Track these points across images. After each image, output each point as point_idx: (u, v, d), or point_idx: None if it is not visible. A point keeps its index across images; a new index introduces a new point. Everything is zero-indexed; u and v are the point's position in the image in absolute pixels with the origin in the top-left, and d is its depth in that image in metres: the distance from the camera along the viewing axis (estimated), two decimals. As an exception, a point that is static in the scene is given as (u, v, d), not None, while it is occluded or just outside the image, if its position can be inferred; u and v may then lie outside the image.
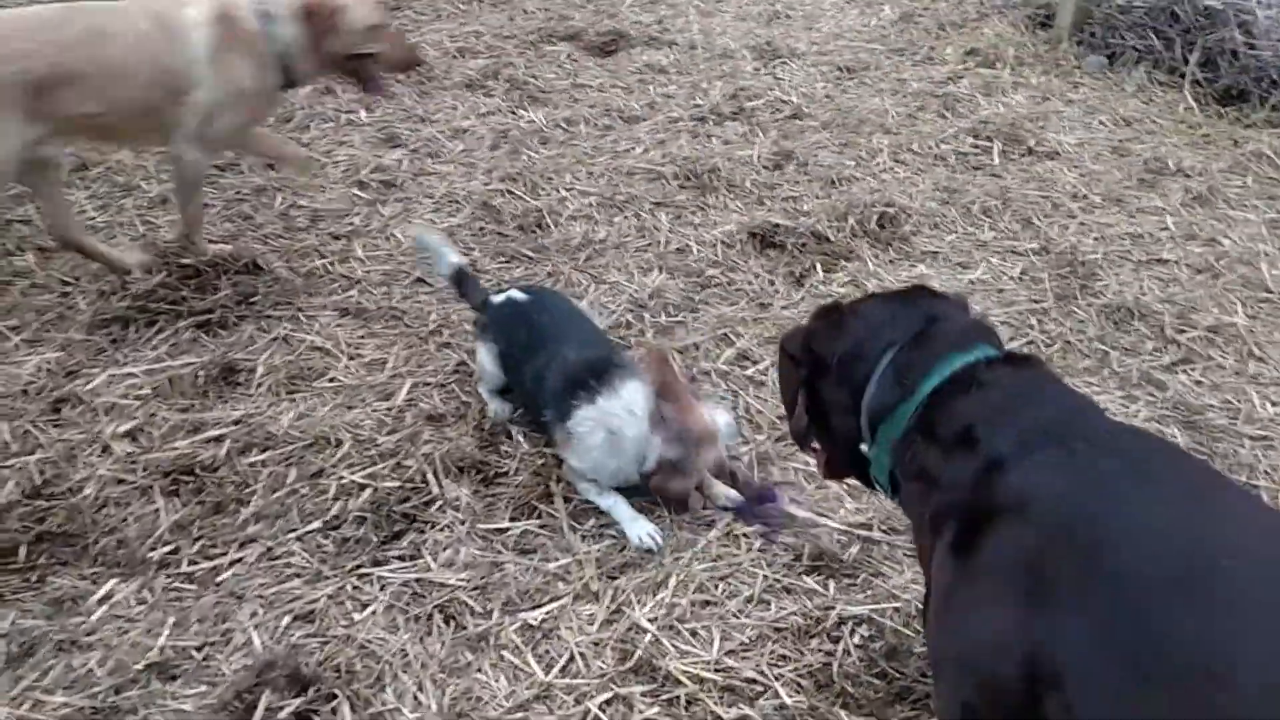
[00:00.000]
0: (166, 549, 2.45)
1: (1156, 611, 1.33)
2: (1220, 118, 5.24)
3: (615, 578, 2.50)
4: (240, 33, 3.17)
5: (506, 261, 3.77)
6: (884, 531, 2.67)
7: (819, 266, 3.80)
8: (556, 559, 2.53)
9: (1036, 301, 3.66)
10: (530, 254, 3.81)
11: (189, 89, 3.13)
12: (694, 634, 2.34)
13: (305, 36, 3.26)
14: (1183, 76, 5.49)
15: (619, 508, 2.62)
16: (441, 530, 2.58)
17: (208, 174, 3.78)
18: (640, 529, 2.57)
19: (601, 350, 2.79)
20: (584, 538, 2.60)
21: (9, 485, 2.55)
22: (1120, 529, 1.43)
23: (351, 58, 3.45)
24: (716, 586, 2.47)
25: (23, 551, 2.39)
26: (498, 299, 3.01)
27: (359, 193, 4.14)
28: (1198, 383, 3.29)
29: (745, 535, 2.62)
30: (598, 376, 2.62)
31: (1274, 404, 3.21)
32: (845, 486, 2.79)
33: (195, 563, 2.43)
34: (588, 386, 2.60)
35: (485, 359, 2.94)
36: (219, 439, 2.78)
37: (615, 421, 2.56)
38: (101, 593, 2.32)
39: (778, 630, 2.37)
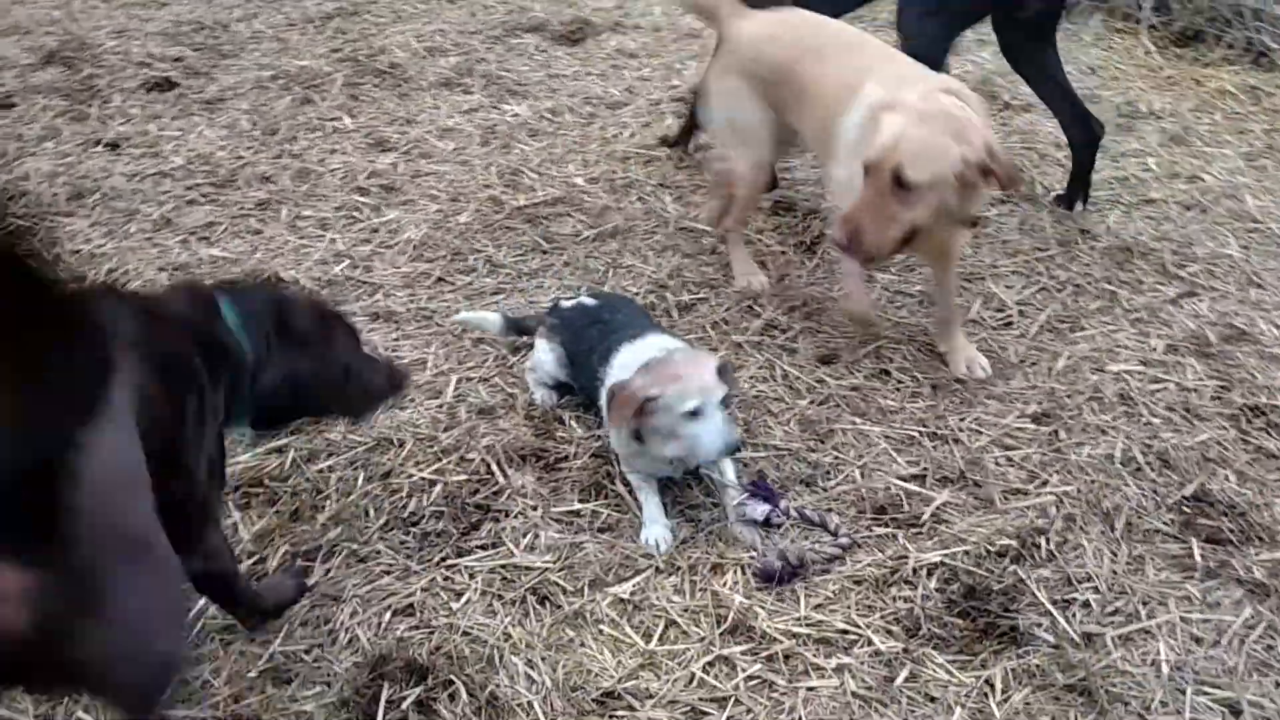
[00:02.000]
0: (251, 560, 2.47)
1: None
2: (1180, 59, 5.43)
3: (684, 544, 2.57)
4: None
5: (521, 254, 3.81)
6: (937, 481, 2.77)
7: (827, 233, 3.89)
8: (631, 536, 2.59)
9: (1041, 249, 3.79)
10: (544, 243, 3.85)
11: None
12: (779, 597, 2.42)
13: None
14: (1138, 22, 5.67)
15: (649, 504, 2.64)
16: (516, 517, 2.63)
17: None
18: (653, 532, 2.57)
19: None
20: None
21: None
22: None
23: None
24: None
25: (112, 576, 2.40)
26: (568, 303, 3.10)
27: (361, 199, 4.15)
28: (1204, 314, 3.44)
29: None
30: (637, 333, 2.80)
31: (1278, 327, 3.37)
32: (894, 441, 2.89)
33: (284, 569, 2.45)
34: (630, 337, 2.77)
35: (546, 358, 3.01)
36: (281, 449, 2.80)
37: (641, 347, 2.71)
38: (196, 608, 2.33)
39: (857, 583, 2.46)
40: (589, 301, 3.07)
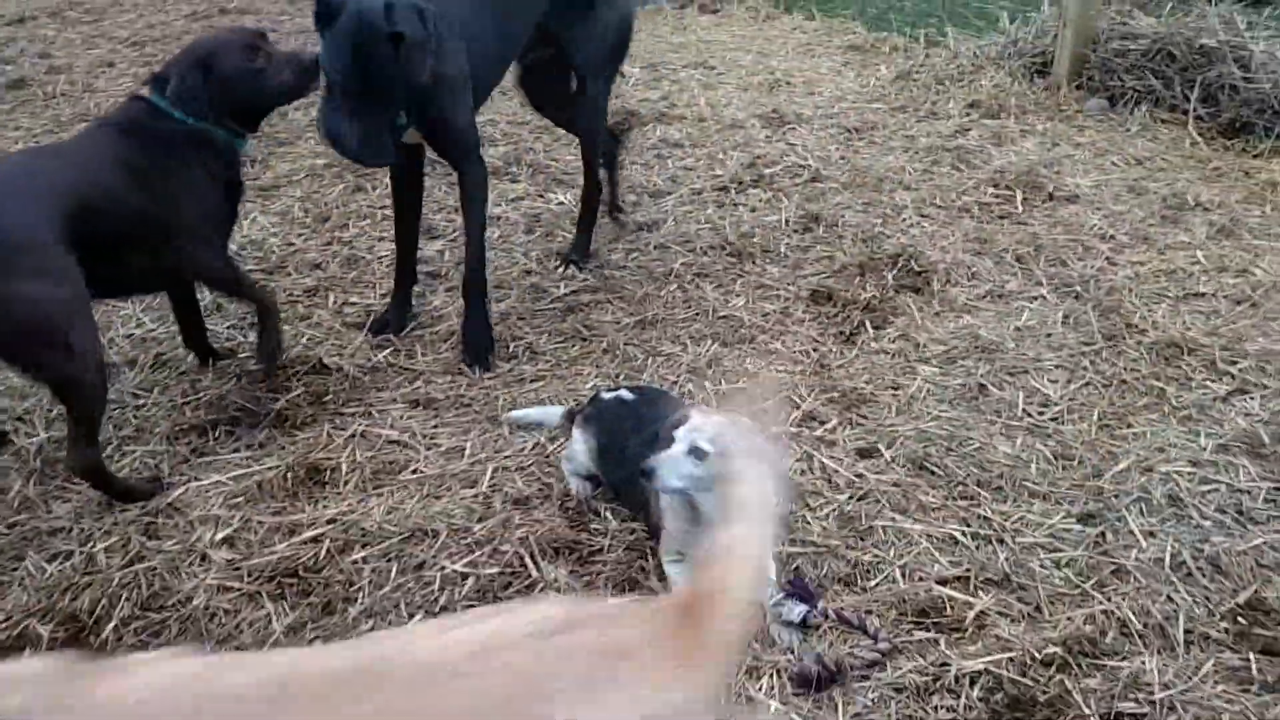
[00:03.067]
0: (284, 653, 2.46)
1: None
2: (1228, 150, 5.39)
3: (724, 648, 2.51)
4: None
5: (561, 342, 3.83)
6: (980, 584, 2.70)
7: (868, 324, 3.88)
8: (665, 633, 2.55)
9: (1086, 344, 3.74)
10: (583, 330, 3.88)
11: None
12: (816, 704, 2.36)
13: None
14: (1185, 113, 5.66)
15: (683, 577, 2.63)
16: (548, 613, 2.59)
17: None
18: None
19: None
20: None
21: (121, 601, 2.56)
22: None
23: None
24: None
25: (144, 667, 2.40)
26: (607, 395, 3.09)
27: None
28: (1256, 412, 3.36)
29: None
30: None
31: (1335, 426, 3.28)
32: (935, 540, 2.83)
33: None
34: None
35: (579, 448, 3.00)
36: (317, 539, 2.81)
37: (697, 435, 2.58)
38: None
39: (898, 690, 2.39)
40: (627, 395, 3.07)
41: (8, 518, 2.93)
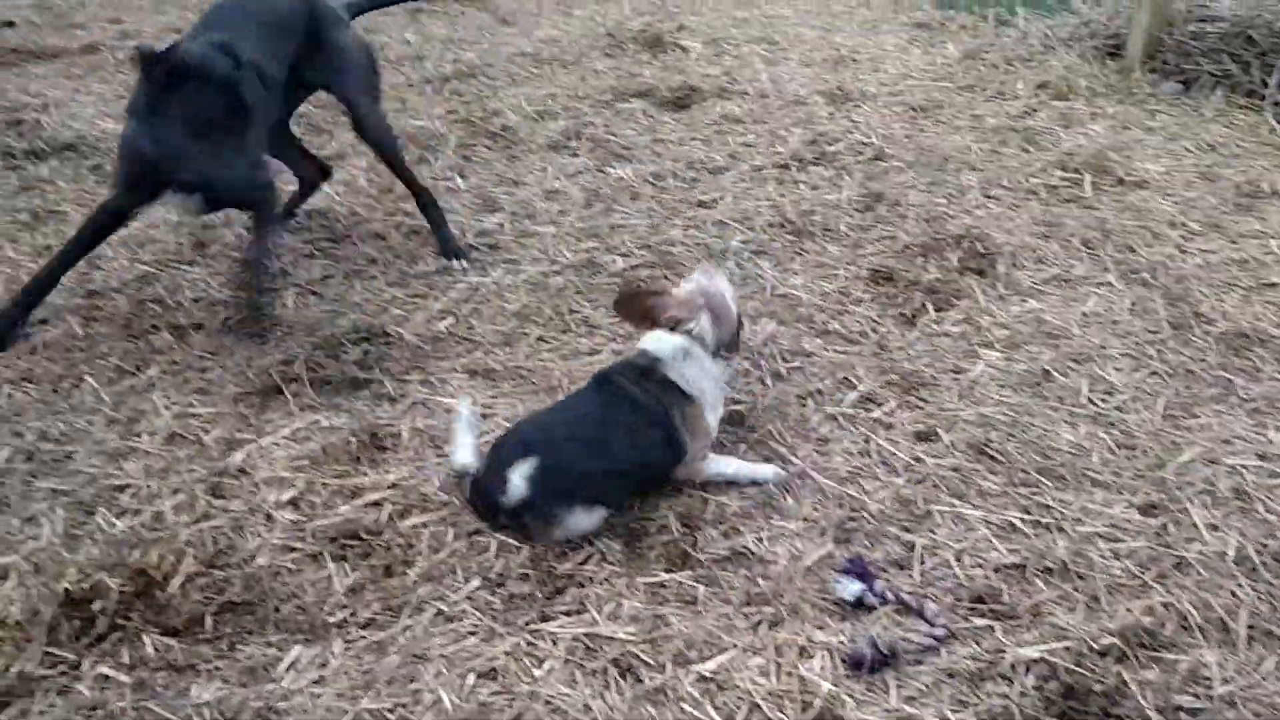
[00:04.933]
0: (345, 613, 2.52)
1: None
2: (1307, 138, 5.23)
3: (776, 625, 2.52)
4: None
5: (617, 317, 3.83)
6: (1038, 572, 2.67)
7: (930, 306, 3.84)
8: (716, 610, 2.56)
9: (1153, 332, 3.67)
10: (642, 308, 3.88)
11: None
12: (869, 686, 2.35)
13: None
14: (1263, 99, 5.50)
15: (744, 467, 2.95)
16: (601, 585, 2.62)
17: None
18: (768, 471, 2.95)
19: None
20: (734, 588, 2.62)
21: (187, 558, 2.63)
22: None
23: None
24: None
25: (209, 622, 2.47)
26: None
27: (466, 259, 4.25)
28: (1330, 406, 3.28)
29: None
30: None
31: None
32: (993, 527, 2.81)
33: (373, 624, 2.49)
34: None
35: None
36: (378, 504, 2.85)
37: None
38: (289, 659, 2.38)
39: (951, 676, 2.37)
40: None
41: (82, 470, 3.02)
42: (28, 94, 6.07)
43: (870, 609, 2.53)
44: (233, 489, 2.94)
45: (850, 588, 2.55)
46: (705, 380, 2.93)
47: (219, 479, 2.97)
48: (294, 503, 2.87)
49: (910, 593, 2.57)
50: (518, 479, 2.64)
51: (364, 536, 2.74)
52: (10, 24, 7.66)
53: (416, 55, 6.82)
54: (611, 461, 2.76)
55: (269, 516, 2.82)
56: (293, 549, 2.70)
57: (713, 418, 2.96)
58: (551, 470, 2.66)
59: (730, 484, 2.94)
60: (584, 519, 2.72)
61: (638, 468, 2.84)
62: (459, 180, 4.92)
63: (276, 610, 2.52)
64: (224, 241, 4.34)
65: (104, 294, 3.92)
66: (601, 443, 2.77)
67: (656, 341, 2.93)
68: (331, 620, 2.50)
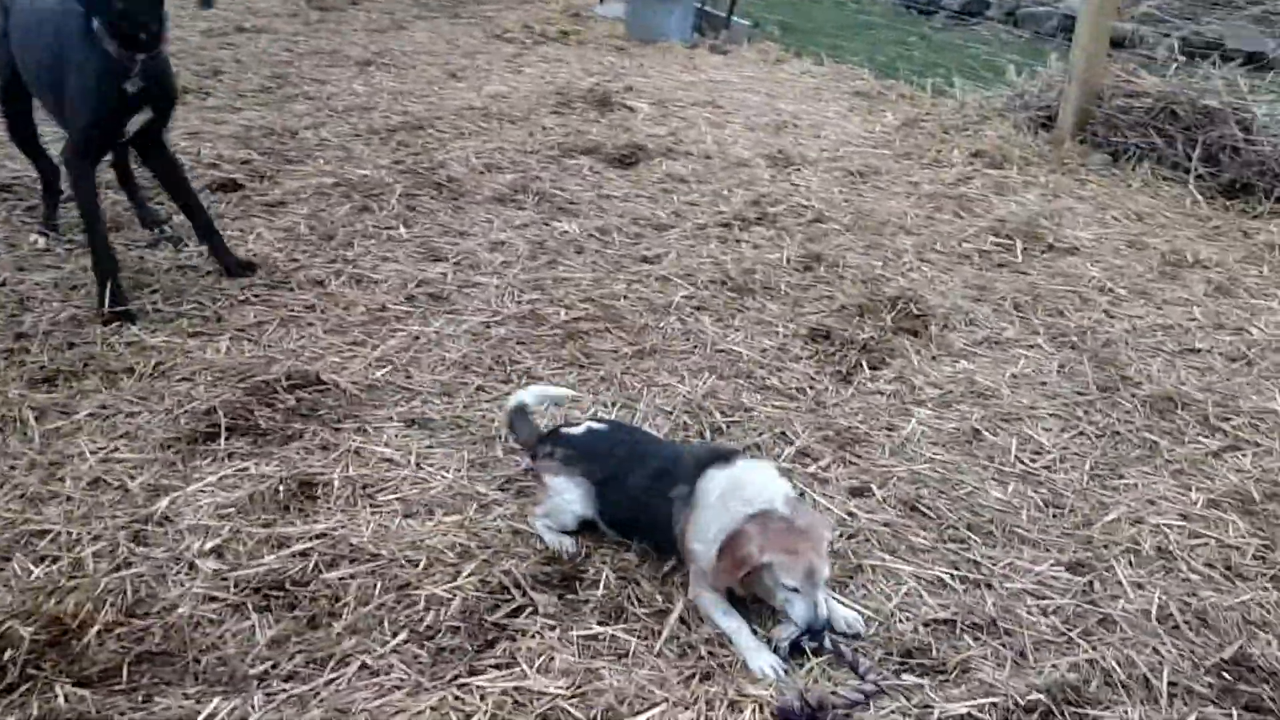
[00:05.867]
0: (267, 665, 2.45)
1: None
2: (1227, 210, 5.45)
3: (707, 678, 2.50)
4: None
5: (560, 368, 3.84)
6: (967, 628, 2.69)
7: (865, 364, 3.90)
8: (649, 664, 2.54)
9: (1081, 394, 3.76)
10: (582, 358, 3.89)
11: None
12: (797, 738, 2.34)
13: None
14: (1187, 172, 5.72)
15: (742, 634, 2.58)
16: (533, 638, 2.59)
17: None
18: (764, 660, 2.51)
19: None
20: (668, 641, 2.60)
21: (106, 606, 2.55)
22: None
23: None
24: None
25: (126, 672, 2.39)
26: (575, 430, 3.04)
27: (408, 307, 4.24)
28: (1248, 469, 3.37)
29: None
30: (729, 456, 2.76)
31: (1325, 487, 3.29)
32: (924, 582, 2.83)
33: (296, 677, 2.43)
34: (723, 459, 2.72)
35: (571, 495, 2.87)
36: (305, 553, 2.80)
37: (745, 480, 2.64)
38: (207, 712, 2.31)
39: (880, 730, 2.38)
40: (599, 426, 3.06)
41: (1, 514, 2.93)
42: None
43: (806, 653, 2.53)
44: (156, 536, 2.86)
45: (787, 630, 2.56)
46: None
47: (142, 526, 2.90)
48: (218, 551, 2.80)
49: (847, 644, 2.57)
50: None
51: (289, 587, 2.68)
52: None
53: (364, 106, 6.84)
54: None
55: (192, 565, 2.76)
56: (215, 598, 2.63)
57: None
58: None
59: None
60: None
61: None
62: (402, 229, 4.92)
63: (196, 661, 2.45)
64: (158, 287, 4.27)
65: (32, 336, 3.83)
66: None
67: None
68: (253, 672, 2.43)
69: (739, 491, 2.62)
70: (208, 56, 7.90)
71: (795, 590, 2.50)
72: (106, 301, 3.98)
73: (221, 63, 7.75)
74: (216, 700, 2.35)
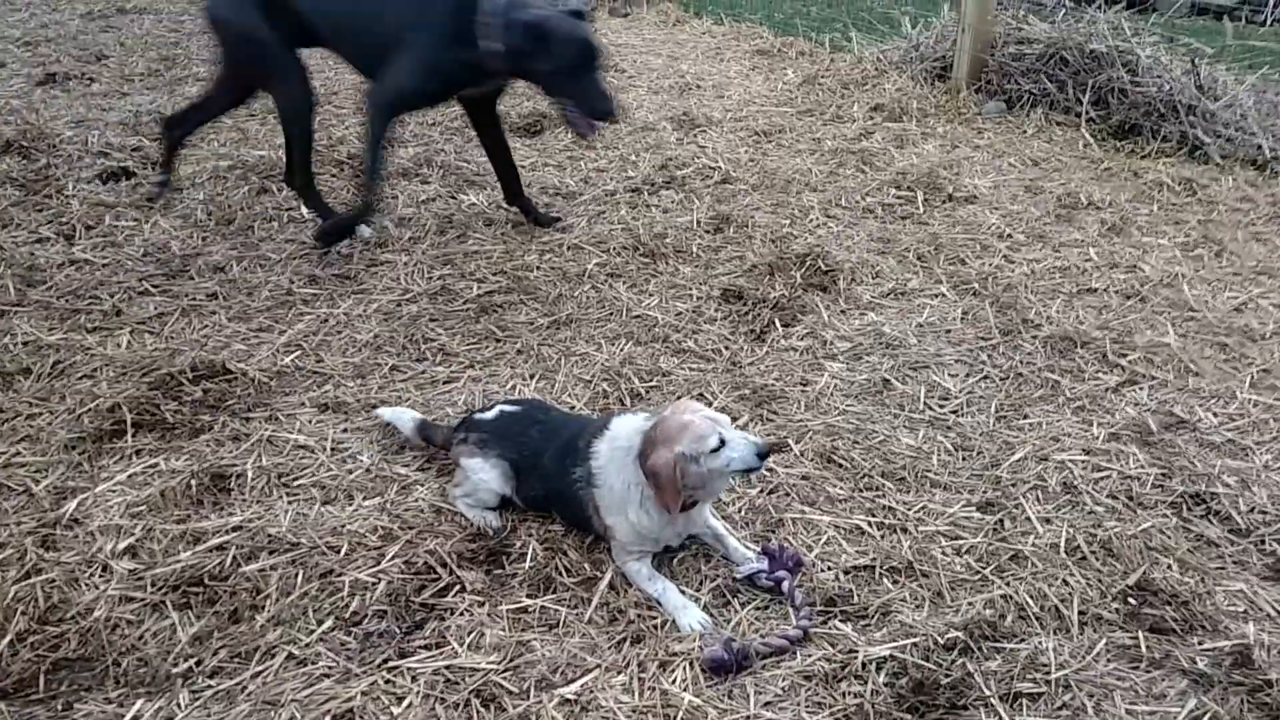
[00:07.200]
0: (190, 663, 2.41)
1: None
2: (1118, 151, 5.62)
3: (638, 642, 2.54)
4: None
5: (475, 343, 3.82)
6: (885, 572, 2.77)
7: (777, 322, 3.95)
8: (580, 632, 2.56)
9: (984, 339, 3.87)
10: (497, 332, 3.87)
11: None
12: (728, 694, 2.39)
13: None
14: (1078, 116, 5.88)
15: (669, 594, 2.64)
16: (462, 615, 2.59)
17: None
18: (692, 617, 2.57)
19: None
20: (597, 608, 2.63)
21: (17, 615, 2.47)
22: None
23: None
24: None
25: (42, 681, 2.33)
26: (488, 414, 3.02)
27: (314, 289, 4.16)
28: (1145, 402, 3.51)
29: (742, 592, 2.70)
30: (605, 423, 2.80)
31: (1216, 415, 3.44)
32: (842, 531, 2.90)
33: (221, 673, 2.39)
34: (601, 428, 2.77)
35: (488, 475, 2.89)
36: (222, 547, 2.75)
37: (618, 435, 2.71)
38: (131, 715, 2.27)
39: (807, 678, 2.44)
40: (511, 408, 3.05)
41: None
42: None
43: (758, 589, 2.66)
44: (65, 540, 2.78)
45: (748, 568, 2.68)
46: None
47: (50, 530, 2.81)
48: (132, 551, 2.73)
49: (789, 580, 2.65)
50: None
51: (208, 582, 2.63)
52: None
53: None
54: None
55: (105, 567, 2.68)
56: (132, 599, 2.57)
57: None
58: None
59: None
60: None
61: None
62: (303, 209, 4.81)
63: (116, 664, 2.39)
64: (53, 283, 4.12)
65: (-82, 341, 3.67)
66: None
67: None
68: (176, 671, 2.39)
69: (617, 445, 2.70)
70: (89, 41, 7.59)
71: (721, 443, 2.56)
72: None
73: (105, 47, 7.45)
74: (140, 702, 2.31)
